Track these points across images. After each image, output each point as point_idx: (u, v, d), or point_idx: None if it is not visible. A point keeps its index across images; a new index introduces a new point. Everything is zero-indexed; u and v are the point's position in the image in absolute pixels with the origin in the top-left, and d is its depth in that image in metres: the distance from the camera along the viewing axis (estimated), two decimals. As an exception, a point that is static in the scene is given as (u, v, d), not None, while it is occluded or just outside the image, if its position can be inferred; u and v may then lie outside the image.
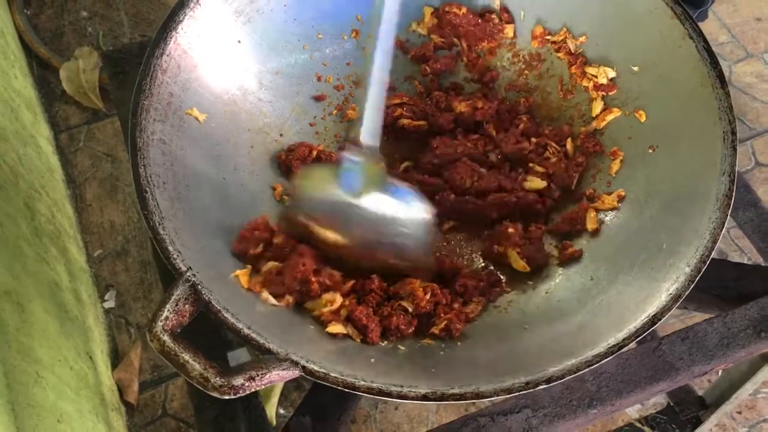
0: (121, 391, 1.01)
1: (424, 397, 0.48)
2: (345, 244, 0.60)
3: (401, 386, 0.48)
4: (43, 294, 0.82)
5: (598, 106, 0.69)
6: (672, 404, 0.85)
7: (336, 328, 0.56)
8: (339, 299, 0.58)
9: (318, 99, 0.73)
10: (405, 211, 0.60)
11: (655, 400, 0.98)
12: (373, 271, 0.61)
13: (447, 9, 0.74)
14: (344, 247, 0.60)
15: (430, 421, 1.02)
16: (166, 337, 0.48)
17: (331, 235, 0.60)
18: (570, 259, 0.64)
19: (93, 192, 1.23)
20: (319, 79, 0.73)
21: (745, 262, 1.12)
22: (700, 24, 1.28)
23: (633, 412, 1.02)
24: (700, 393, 0.84)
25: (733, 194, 0.56)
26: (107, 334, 1.07)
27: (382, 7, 0.60)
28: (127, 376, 1.02)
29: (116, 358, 1.06)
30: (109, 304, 1.12)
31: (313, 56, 0.73)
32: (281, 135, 0.71)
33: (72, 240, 1.10)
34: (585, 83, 0.70)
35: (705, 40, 0.64)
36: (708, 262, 0.53)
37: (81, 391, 0.82)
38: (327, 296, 0.59)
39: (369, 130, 0.59)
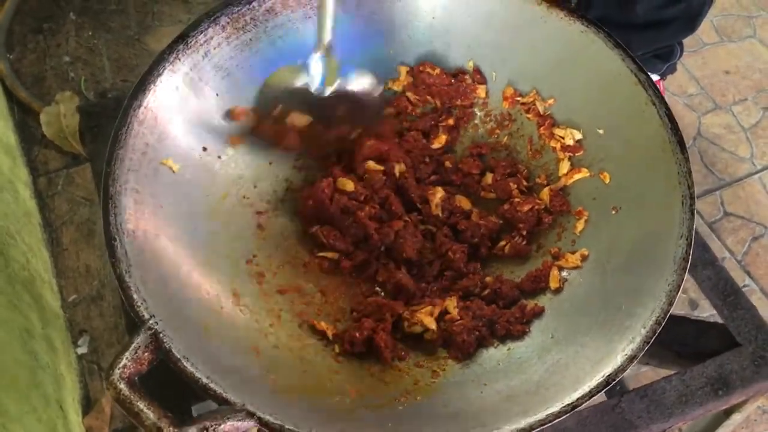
0: (91, 438, 1.01)
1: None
2: (311, 122, 0.72)
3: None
4: (13, 343, 0.82)
5: (564, 167, 0.71)
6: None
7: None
8: None
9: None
10: (356, 82, 0.72)
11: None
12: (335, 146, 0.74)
13: (421, 69, 0.77)
14: (311, 127, 0.72)
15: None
16: (122, 385, 0.48)
17: (300, 118, 0.72)
18: (532, 316, 0.65)
19: (70, 236, 1.23)
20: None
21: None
22: (669, 76, 1.33)
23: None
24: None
25: (690, 258, 0.58)
26: (79, 381, 1.07)
27: None
28: (98, 423, 1.02)
29: (88, 404, 1.06)
30: (82, 349, 1.11)
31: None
32: (255, 186, 0.72)
33: (47, 285, 1.10)
34: (553, 144, 0.73)
35: (666, 107, 0.66)
36: (662, 324, 0.54)
37: (48, 442, 0.81)
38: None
39: (326, 28, 0.69)
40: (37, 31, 1.47)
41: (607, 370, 0.54)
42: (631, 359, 0.54)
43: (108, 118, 0.77)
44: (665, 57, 1.27)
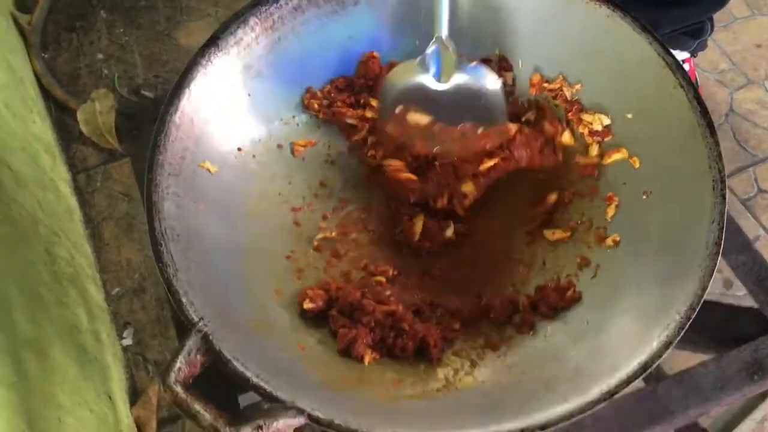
0: (140, 428, 1.04)
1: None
2: (433, 122, 0.71)
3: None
4: (63, 338, 0.85)
5: (594, 152, 0.72)
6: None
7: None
8: None
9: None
10: (479, 81, 0.70)
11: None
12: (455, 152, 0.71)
13: None
14: (431, 127, 0.71)
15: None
16: (178, 389, 0.50)
17: (421, 117, 0.71)
18: (570, 302, 0.66)
19: (110, 231, 1.27)
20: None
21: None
22: (700, 53, 1.32)
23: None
24: (704, 426, 0.85)
25: (722, 242, 0.58)
26: (125, 372, 1.10)
27: None
28: (146, 413, 1.05)
29: (134, 395, 1.09)
30: (127, 341, 1.15)
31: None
32: (289, 183, 0.74)
33: (91, 280, 1.13)
34: (581, 129, 0.73)
35: (695, 90, 0.66)
36: (697, 309, 0.55)
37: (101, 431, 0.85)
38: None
39: (443, 22, 0.69)
40: (70, 30, 1.49)
41: (644, 356, 0.55)
42: (666, 345, 0.55)
43: (144, 119, 0.79)
44: (695, 34, 1.26)
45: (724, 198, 0.61)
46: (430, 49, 0.69)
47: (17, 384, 0.65)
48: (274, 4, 0.72)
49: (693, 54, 1.30)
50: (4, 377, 0.63)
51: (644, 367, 0.54)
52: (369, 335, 0.61)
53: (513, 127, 0.71)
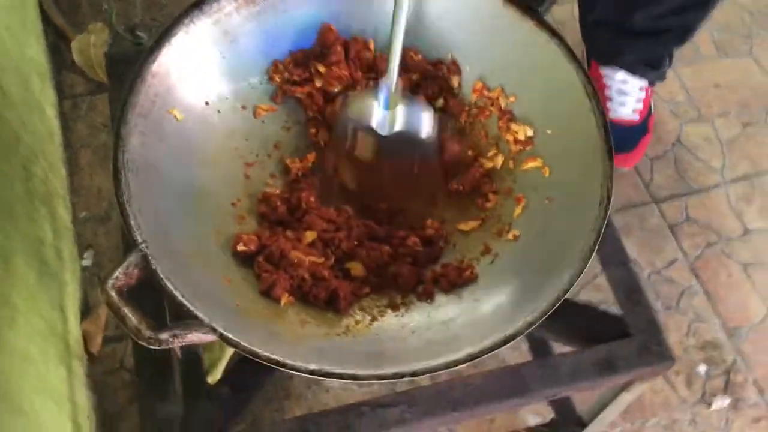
0: (86, 341, 1.13)
1: (311, 372, 0.61)
2: (372, 159, 0.81)
3: (295, 360, 0.61)
4: (27, 250, 0.94)
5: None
6: (556, 418, 0.98)
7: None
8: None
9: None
10: (416, 127, 0.80)
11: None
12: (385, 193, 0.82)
13: (405, 51, 0.86)
14: (370, 164, 0.81)
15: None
16: (113, 293, 0.60)
17: (364, 146, 0.81)
18: (468, 280, 0.76)
19: (87, 158, 1.35)
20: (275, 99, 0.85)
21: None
22: (659, 84, 1.42)
23: (532, 419, 1.15)
24: (580, 413, 0.96)
25: (594, 250, 0.68)
26: (81, 290, 1.20)
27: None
28: (93, 328, 1.15)
29: (86, 311, 1.19)
30: (87, 262, 1.24)
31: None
32: (246, 140, 0.83)
33: (61, 201, 1.22)
34: (508, 137, 0.83)
35: (604, 117, 0.76)
36: (558, 303, 0.65)
37: (49, 338, 0.94)
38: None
39: (394, 67, 0.77)
40: (77, -39, 1.57)
41: (508, 332, 0.65)
42: (529, 325, 0.65)
43: (129, 67, 0.88)
44: (655, 65, 1.36)
45: (607, 212, 0.71)
46: (382, 84, 0.78)
47: (-22, 278, 0.74)
48: (259, -20, 0.80)
49: (651, 83, 1.40)
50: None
51: (505, 340, 0.64)
52: (288, 281, 0.71)
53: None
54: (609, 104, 1.40)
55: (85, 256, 1.25)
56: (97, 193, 1.31)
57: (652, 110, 1.45)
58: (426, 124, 0.81)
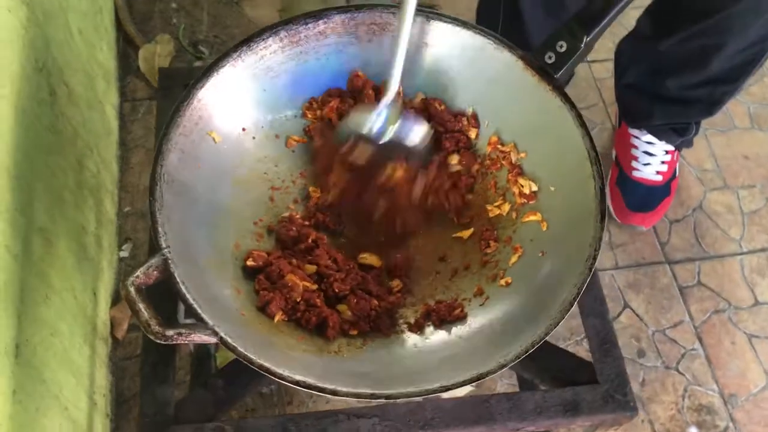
0: (113, 326, 1.23)
1: (297, 383, 0.68)
2: (366, 162, 0.87)
3: (283, 371, 0.68)
4: (70, 235, 1.04)
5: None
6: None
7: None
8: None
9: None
10: (413, 131, 0.87)
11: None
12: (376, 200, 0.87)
13: (431, 101, 0.94)
14: (363, 167, 0.87)
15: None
16: (132, 289, 0.68)
17: (359, 152, 0.86)
18: (456, 319, 0.83)
19: (138, 158, 1.46)
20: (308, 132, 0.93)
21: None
22: (686, 150, 1.46)
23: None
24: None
25: (574, 303, 0.74)
26: (115, 278, 1.29)
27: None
28: (121, 315, 1.24)
29: (117, 299, 1.28)
30: (124, 253, 1.34)
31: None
32: (276, 166, 0.91)
33: (109, 194, 1.32)
34: (515, 189, 0.89)
35: (602, 183, 0.82)
36: (531, 350, 0.71)
37: (78, 318, 1.03)
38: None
39: (394, 84, 0.84)
40: (155, -25, 1.69)
41: (481, 370, 0.71)
42: (501, 366, 0.71)
43: (178, 83, 0.97)
44: (681, 132, 1.41)
45: (591, 271, 0.77)
46: (382, 101, 0.85)
47: (20, 257, 0.83)
48: (304, 25, 0.88)
49: (678, 148, 1.45)
50: (12, 247, 0.81)
51: (478, 377, 0.70)
52: (282, 301, 0.78)
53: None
54: (634, 163, 1.45)
55: (123, 247, 1.35)
56: (143, 191, 1.41)
57: (677, 173, 1.49)
58: (418, 134, 0.88)
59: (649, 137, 1.43)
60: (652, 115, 1.40)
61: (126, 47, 1.57)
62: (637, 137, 1.45)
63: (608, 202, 1.49)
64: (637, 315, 1.39)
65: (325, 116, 0.92)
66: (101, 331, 1.17)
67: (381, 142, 0.87)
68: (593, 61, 1.67)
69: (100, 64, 1.37)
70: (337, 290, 0.81)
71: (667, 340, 1.37)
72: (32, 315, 0.86)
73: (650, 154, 1.44)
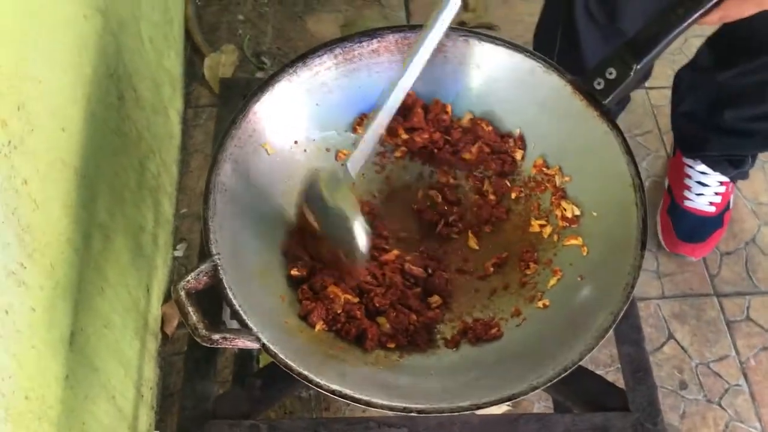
0: (163, 322, 1.28)
1: (332, 392, 0.70)
2: (318, 229, 0.84)
3: (320, 379, 0.71)
4: (128, 233, 1.09)
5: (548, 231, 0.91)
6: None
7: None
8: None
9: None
10: (354, 222, 0.80)
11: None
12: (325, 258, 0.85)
13: (479, 121, 0.96)
14: (318, 231, 0.84)
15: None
16: (182, 293, 0.72)
17: (310, 217, 0.84)
18: (492, 338, 0.84)
19: (198, 162, 1.51)
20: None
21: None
22: (742, 182, 1.44)
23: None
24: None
25: (610, 330, 0.75)
26: (168, 276, 1.34)
27: (403, 75, 0.80)
28: (172, 312, 1.29)
29: (169, 296, 1.33)
30: (179, 253, 1.39)
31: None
32: (325, 177, 0.95)
33: (167, 196, 1.38)
34: (557, 212, 0.90)
35: (645, 211, 0.82)
36: (565, 374, 0.72)
37: (130, 312, 1.08)
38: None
39: (356, 161, 0.81)
40: (225, -13, 1.75)
41: (512, 392, 0.72)
42: (533, 389, 0.73)
43: (236, 93, 1.01)
44: (736, 164, 1.39)
45: (628, 299, 0.77)
46: (339, 168, 0.82)
47: (81, 249, 0.88)
48: (358, 43, 0.91)
49: (732, 180, 1.43)
50: (74, 241, 0.86)
51: (509, 398, 0.72)
52: (324, 311, 0.81)
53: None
54: (687, 192, 1.44)
55: (177, 247, 1.40)
56: (200, 194, 1.43)
57: (731, 205, 1.47)
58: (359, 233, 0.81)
59: (704, 167, 1.41)
60: (707, 146, 1.39)
61: (193, 55, 1.64)
62: (691, 167, 1.44)
63: (658, 230, 1.48)
64: (681, 346, 1.37)
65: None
66: (152, 326, 1.22)
67: (328, 209, 0.82)
68: (651, 88, 1.66)
69: (167, 71, 1.43)
70: (377, 304, 0.84)
71: (711, 373, 1.35)
72: (88, 306, 0.91)
73: (704, 185, 1.43)
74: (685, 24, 0.80)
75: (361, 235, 0.81)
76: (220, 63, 1.58)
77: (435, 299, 0.89)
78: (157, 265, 1.27)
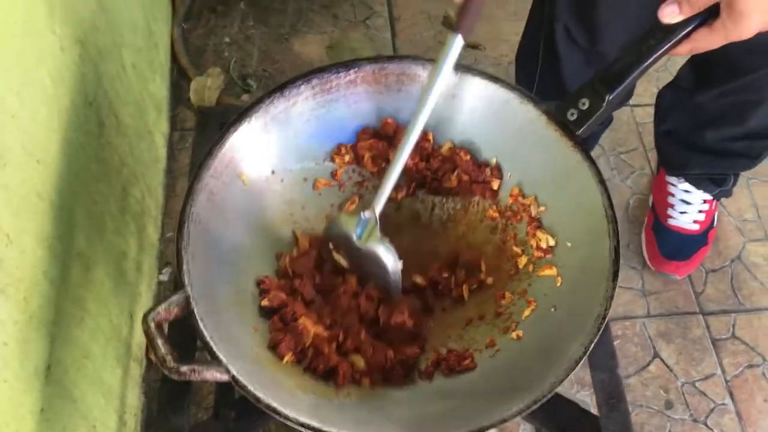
0: (148, 348, 1.28)
1: (301, 425, 0.70)
2: (347, 267, 0.89)
3: (288, 411, 0.71)
4: (109, 261, 1.10)
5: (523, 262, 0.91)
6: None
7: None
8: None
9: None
10: (386, 257, 0.86)
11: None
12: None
13: (457, 150, 0.96)
14: (346, 269, 0.89)
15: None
16: (152, 324, 0.72)
17: (340, 259, 0.89)
18: (465, 369, 0.84)
19: (183, 186, 1.51)
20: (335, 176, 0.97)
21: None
22: (727, 199, 1.45)
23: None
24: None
25: (580, 362, 0.75)
26: (153, 301, 1.35)
27: (418, 116, 0.82)
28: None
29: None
30: (164, 277, 1.40)
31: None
32: (302, 208, 0.95)
33: (152, 220, 1.38)
34: (532, 242, 0.91)
35: (617, 242, 0.82)
36: (535, 406, 0.72)
37: (111, 340, 1.08)
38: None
39: (379, 203, 0.84)
40: (212, 10, 1.76)
41: (484, 423, 0.73)
42: (502, 420, 0.73)
43: (214, 122, 1.02)
44: (719, 182, 1.40)
45: (599, 330, 0.77)
46: (363, 215, 0.85)
47: (57, 281, 0.88)
48: (335, 74, 0.92)
49: (716, 198, 1.44)
50: (48, 273, 0.86)
51: (478, 430, 0.72)
52: (293, 342, 0.81)
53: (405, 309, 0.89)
54: (670, 211, 1.44)
55: (163, 271, 1.40)
56: (186, 217, 1.47)
57: (715, 223, 1.48)
58: (390, 265, 0.86)
59: (687, 185, 1.42)
60: (689, 164, 1.39)
61: (179, 78, 1.64)
62: (674, 185, 1.44)
63: (643, 248, 1.48)
64: (667, 365, 1.37)
65: (359, 154, 0.95)
66: (135, 352, 1.22)
67: (360, 250, 0.87)
68: (635, 106, 1.66)
69: (152, 95, 1.44)
70: (350, 343, 0.84)
71: (697, 392, 1.35)
72: (66, 337, 0.91)
73: (687, 203, 1.43)
74: (656, 55, 0.81)
75: (396, 273, 0.87)
76: (206, 86, 1.58)
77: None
78: (140, 291, 1.27)
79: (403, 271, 0.88)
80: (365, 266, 0.88)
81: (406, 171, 0.94)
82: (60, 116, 0.94)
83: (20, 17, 0.84)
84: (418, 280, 0.93)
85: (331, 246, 0.90)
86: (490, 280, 0.92)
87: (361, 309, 0.88)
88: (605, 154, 1.62)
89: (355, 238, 0.86)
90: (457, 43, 0.78)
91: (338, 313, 0.86)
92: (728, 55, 1.16)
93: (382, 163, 0.96)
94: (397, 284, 0.88)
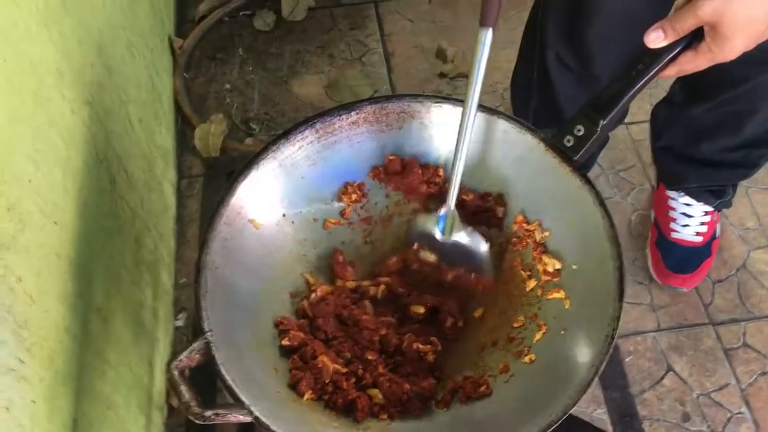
0: (168, 394, 1.30)
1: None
2: (434, 261, 0.97)
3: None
4: (127, 311, 1.12)
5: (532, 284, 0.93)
6: None
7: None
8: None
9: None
10: (471, 242, 0.94)
11: None
12: (448, 286, 0.97)
13: (464, 196, 0.98)
14: (434, 264, 0.97)
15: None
16: (175, 372, 0.75)
17: (429, 256, 0.96)
18: (481, 396, 0.86)
19: (193, 231, 1.54)
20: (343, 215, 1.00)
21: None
22: (724, 210, 1.47)
23: None
24: None
25: (591, 384, 0.77)
26: (170, 347, 1.37)
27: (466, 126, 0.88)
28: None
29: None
30: (180, 323, 1.42)
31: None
32: (314, 248, 0.98)
33: (166, 267, 1.41)
34: (539, 266, 0.93)
35: (621, 263, 0.85)
36: (550, 430, 0.74)
37: (133, 389, 1.10)
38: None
39: (452, 197, 0.91)
40: (212, 59, 1.80)
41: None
42: (521, 444, 0.75)
43: (221, 170, 1.05)
44: (718, 194, 1.42)
45: (609, 350, 0.80)
46: (441, 212, 0.93)
47: (79, 337, 0.91)
48: (337, 117, 0.95)
49: (716, 209, 1.46)
50: (70, 329, 0.88)
51: (502, 450, 0.74)
52: (312, 380, 0.83)
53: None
54: (672, 225, 1.46)
55: (178, 317, 1.42)
56: (198, 262, 1.49)
57: (718, 234, 1.50)
58: (478, 243, 0.94)
59: (687, 199, 1.44)
60: (688, 178, 1.42)
61: (184, 127, 1.68)
62: (674, 199, 1.46)
63: (649, 263, 1.50)
64: (681, 378, 1.38)
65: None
66: (156, 399, 1.24)
67: (446, 241, 0.95)
68: (631, 123, 1.69)
69: (159, 146, 1.47)
70: (368, 376, 0.86)
71: (713, 403, 1.36)
72: (89, 390, 0.93)
73: (688, 216, 1.45)
74: (645, 79, 0.84)
75: (486, 253, 0.94)
76: (210, 133, 1.62)
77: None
78: (158, 338, 1.29)
79: (408, 302, 0.93)
80: (452, 256, 0.95)
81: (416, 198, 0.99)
82: (74, 177, 0.97)
83: (33, 86, 0.87)
84: (420, 310, 0.96)
85: (415, 247, 0.97)
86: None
87: (381, 339, 0.90)
88: (604, 172, 1.64)
89: (438, 233, 0.94)
90: (488, 37, 0.84)
91: (359, 347, 0.88)
92: (717, 68, 1.19)
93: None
94: (489, 264, 0.95)
